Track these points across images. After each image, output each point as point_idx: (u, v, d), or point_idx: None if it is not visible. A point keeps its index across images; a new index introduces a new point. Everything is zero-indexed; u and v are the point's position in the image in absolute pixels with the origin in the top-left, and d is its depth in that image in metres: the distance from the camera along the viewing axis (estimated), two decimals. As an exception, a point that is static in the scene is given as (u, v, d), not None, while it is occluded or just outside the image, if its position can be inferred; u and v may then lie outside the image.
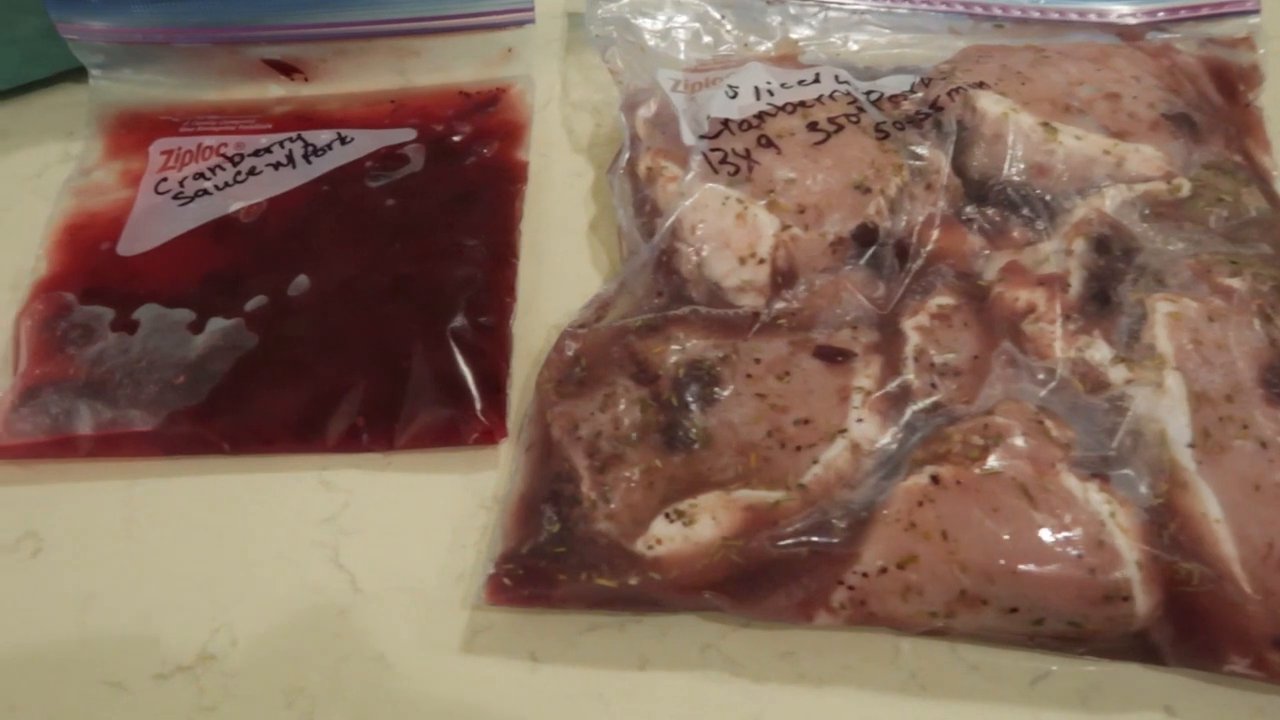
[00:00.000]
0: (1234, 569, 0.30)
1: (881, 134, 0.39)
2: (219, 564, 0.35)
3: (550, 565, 0.32)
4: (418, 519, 0.35)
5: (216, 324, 0.38)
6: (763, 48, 0.45)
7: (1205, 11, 0.44)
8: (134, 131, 0.45)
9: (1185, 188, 0.38)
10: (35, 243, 0.41)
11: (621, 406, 0.34)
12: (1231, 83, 0.42)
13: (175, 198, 0.42)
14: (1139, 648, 0.31)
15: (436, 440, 0.36)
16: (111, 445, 0.36)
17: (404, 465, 0.36)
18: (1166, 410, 0.32)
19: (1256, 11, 0.44)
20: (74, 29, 0.44)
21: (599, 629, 0.33)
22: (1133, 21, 0.45)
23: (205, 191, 0.42)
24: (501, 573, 0.32)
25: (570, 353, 0.36)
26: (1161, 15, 0.45)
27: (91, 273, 0.40)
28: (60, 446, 0.36)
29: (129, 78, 0.45)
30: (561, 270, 0.41)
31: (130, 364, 0.37)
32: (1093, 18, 0.45)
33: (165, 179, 0.43)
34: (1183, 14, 0.45)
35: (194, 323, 0.38)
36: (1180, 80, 0.42)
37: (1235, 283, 0.35)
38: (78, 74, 0.46)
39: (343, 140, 0.43)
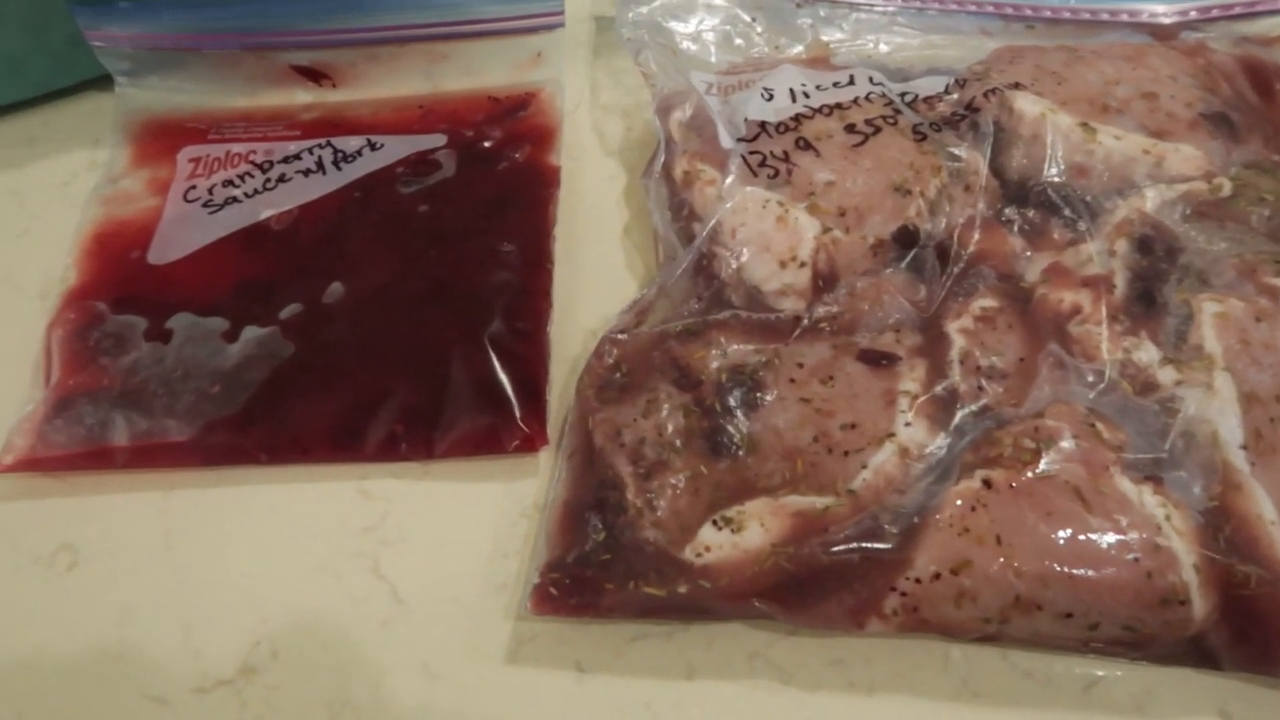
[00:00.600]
0: (1292, 572, 0.29)
1: (919, 135, 0.39)
2: (258, 575, 0.34)
3: (597, 574, 0.31)
4: (458, 528, 0.35)
5: (251, 332, 0.37)
6: (794, 50, 0.45)
7: (1238, 10, 0.44)
8: (161, 139, 0.44)
9: (1226, 187, 0.38)
10: (64, 252, 0.41)
11: (664, 412, 0.34)
12: (1267, 81, 0.42)
13: (205, 205, 0.42)
14: (1194, 652, 0.30)
15: (476, 448, 0.36)
16: (147, 456, 0.36)
17: (443, 474, 0.36)
18: (1217, 411, 0.32)
19: (1290, 10, 0.43)
20: (101, 35, 0.43)
21: (645, 638, 0.33)
22: (1165, 21, 0.45)
23: (235, 199, 0.42)
24: (547, 582, 0.32)
25: (610, 359, 0.36)
26: (1194, 14, 0.45)
27: (123, 281, 0.39)
28: (95, 458, 0.36)
29: (155, 85, 0.45)
30: (596, 275, 0.41)
31: (165, 373, 0.37)
32: (1124, 17, 0.45)
33: (194, 186, 0.42)
34: (1214, 13, 0.44)
35: (228, 331, 0.38)
36: (1216, 79, 0.41)
37: (1281, 282, 0.34)
38: (104, 81, 0.46)
39: (373, 146, 0.43)
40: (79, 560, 0.35)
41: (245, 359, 0.37)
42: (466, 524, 0.35)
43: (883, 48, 0.45)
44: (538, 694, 0.32)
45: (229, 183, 0.42)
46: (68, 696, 0.32)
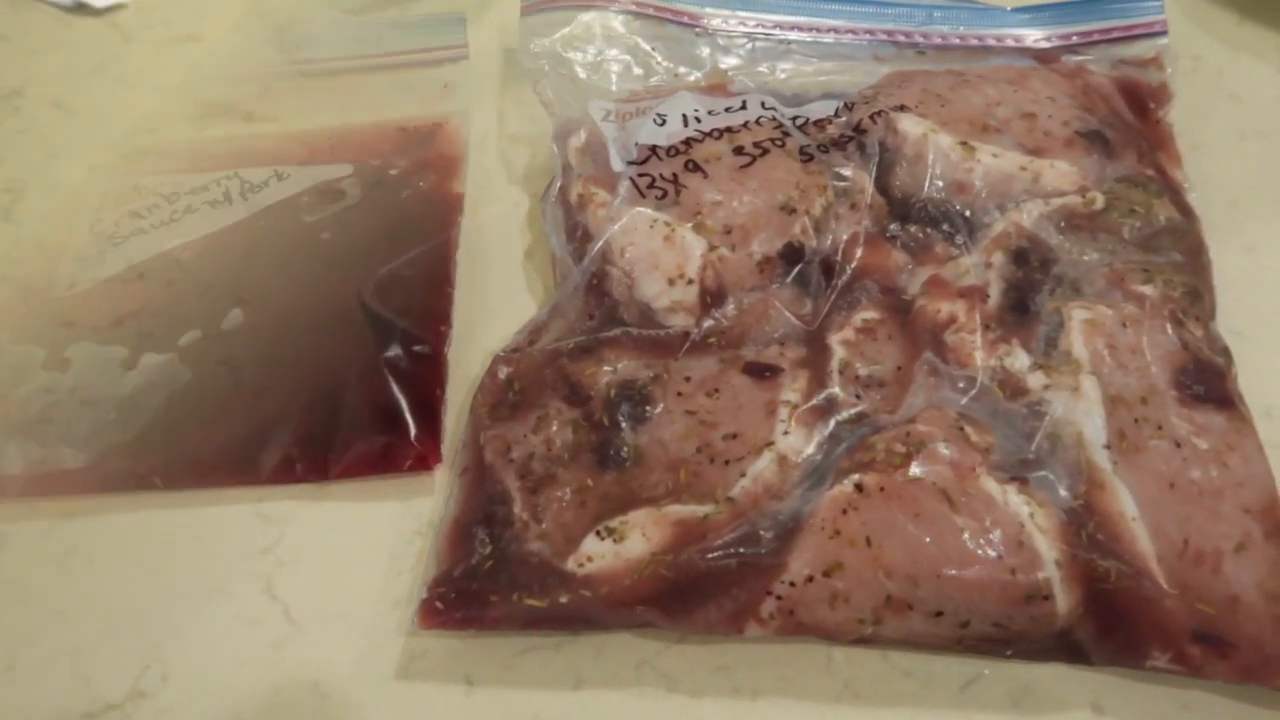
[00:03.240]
0: (1151, 565, 0.30)
1: (806, 157, 0.40)
2: (152, 600, 0.34)
3: (482, 586, 0.32)
4: (354, 547, 0.35)
5: (150, 359, 0.38)
6: (693, 78, 0.46)
7: (1116, 34, 0.46)
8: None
9: (1099, 200, 0.39)
10: (-32, 286, 0.41)
11: (554, 428, 0.35)
12: (1142, 100, 0.44)
13: (110, 238, 0.42)
14: (1064, 647, 0.31)
15: (372, 468, 0.36)
16: (43, 484, 0.36)
17: (340, 494, 0.36)
18: (1083, 413, 0.33)
19: (1164, 34, 0.45)
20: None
21: (534, 650, 0.33)
22: (1048, 45, 0.46)
23: (141, 230, 0.42)
24: (434, 596, 0.32)
25: (503, 377, 0.36)
26: (1075, 39, 0.46)
27: (24, 314, 0.40)
28: (-11, 487, 0.36)
29: (66, 121, 0.46)
30: (499, 298, 0.42)
31: (62, 402, 0.37)
32: (1010, 42, 0.47)
33: (100, 219, 0.43)
34: (1095, 37, 0.46)
35: (127, 359, 0.38)
36: (1094, 99, 0.43)
37: (1148, 289, 0.36)
38: (15, 119, 0.46)
39: (279, 177, 0.44)
40: (-29, 590, 0.35)
41: (142, 385, 0.37)
42: (362, 543, 0.35)
43: (779, 74, 0.46)
44: (427, 708, 0.32)
45: (136, 214, 0.43)
46: (-47, 727, 0.32)
